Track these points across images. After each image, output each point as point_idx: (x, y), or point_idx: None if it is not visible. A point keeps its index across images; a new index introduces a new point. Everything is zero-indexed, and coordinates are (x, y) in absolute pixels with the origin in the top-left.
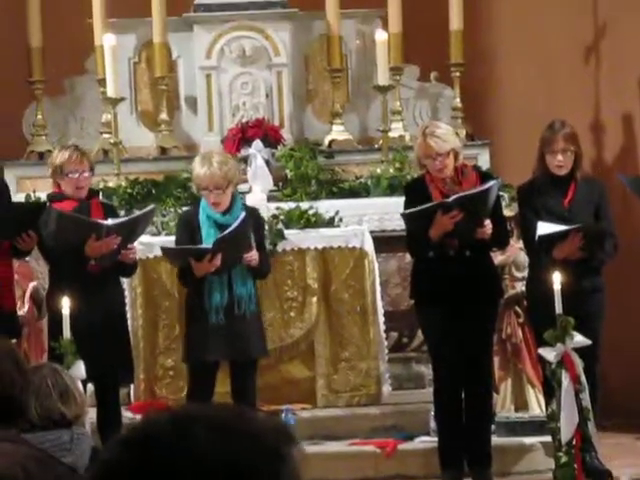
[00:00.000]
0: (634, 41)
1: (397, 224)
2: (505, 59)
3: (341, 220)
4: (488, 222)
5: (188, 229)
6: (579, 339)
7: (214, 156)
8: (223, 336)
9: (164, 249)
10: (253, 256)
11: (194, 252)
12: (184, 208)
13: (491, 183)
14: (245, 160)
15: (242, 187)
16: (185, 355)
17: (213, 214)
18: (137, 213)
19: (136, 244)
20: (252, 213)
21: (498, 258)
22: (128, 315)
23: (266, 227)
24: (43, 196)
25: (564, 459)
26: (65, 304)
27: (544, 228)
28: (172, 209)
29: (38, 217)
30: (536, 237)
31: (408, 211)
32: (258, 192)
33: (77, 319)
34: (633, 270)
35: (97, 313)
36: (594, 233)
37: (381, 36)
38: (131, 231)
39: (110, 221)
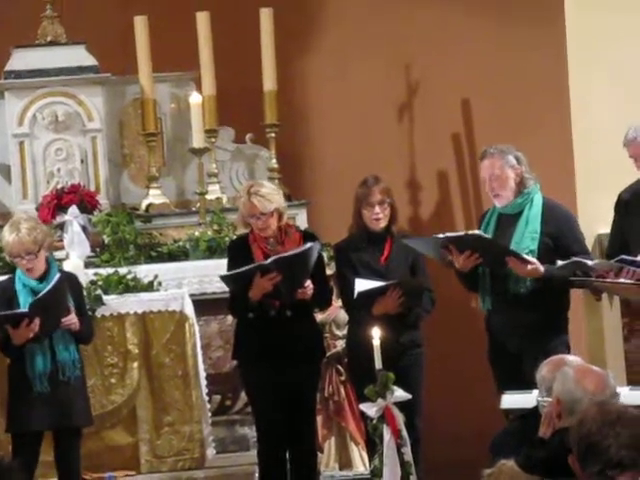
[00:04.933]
0: (446, 99)
1: (217, 286)
2: (320, 119)
3: (160, 284)
4: (309, 283)
5: (4, 299)
6: (399, 393)
7: (22, 222)
8: (47, 404)
9: None
10: (72, 320)
11: (9, 318)
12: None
13: (309, 245)
14: (61, 227)
15: (59, 254)
16: (8, 425)
17: (29, 282)
18: None
19: None
20: (69, 278)
21: (318, 317)
22: None
23: (85, 293)
24: None
25: None
26: None
27: (362, 284)
28: None
29: None
30: (355, 294)
31: (226, 274)
32: (75, 258)
33: None
34: (451, 325)
35: None
36: (412, 288)
37: (195, 99)
38: None
39: None
